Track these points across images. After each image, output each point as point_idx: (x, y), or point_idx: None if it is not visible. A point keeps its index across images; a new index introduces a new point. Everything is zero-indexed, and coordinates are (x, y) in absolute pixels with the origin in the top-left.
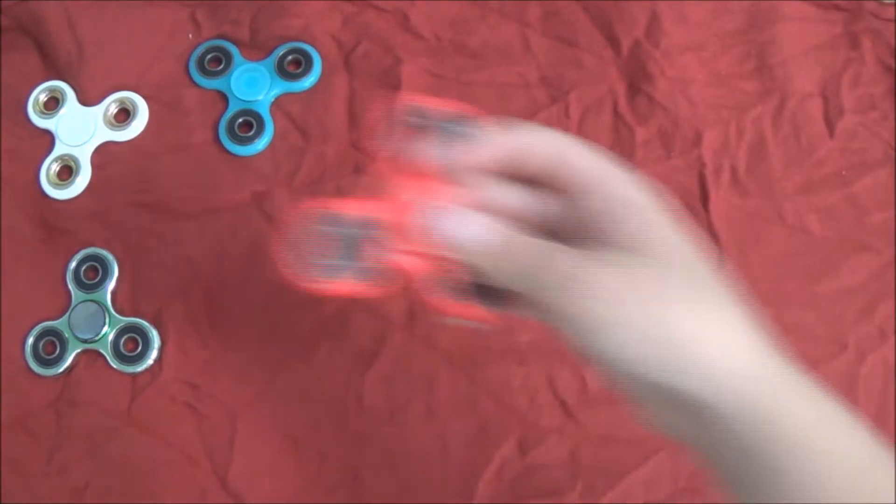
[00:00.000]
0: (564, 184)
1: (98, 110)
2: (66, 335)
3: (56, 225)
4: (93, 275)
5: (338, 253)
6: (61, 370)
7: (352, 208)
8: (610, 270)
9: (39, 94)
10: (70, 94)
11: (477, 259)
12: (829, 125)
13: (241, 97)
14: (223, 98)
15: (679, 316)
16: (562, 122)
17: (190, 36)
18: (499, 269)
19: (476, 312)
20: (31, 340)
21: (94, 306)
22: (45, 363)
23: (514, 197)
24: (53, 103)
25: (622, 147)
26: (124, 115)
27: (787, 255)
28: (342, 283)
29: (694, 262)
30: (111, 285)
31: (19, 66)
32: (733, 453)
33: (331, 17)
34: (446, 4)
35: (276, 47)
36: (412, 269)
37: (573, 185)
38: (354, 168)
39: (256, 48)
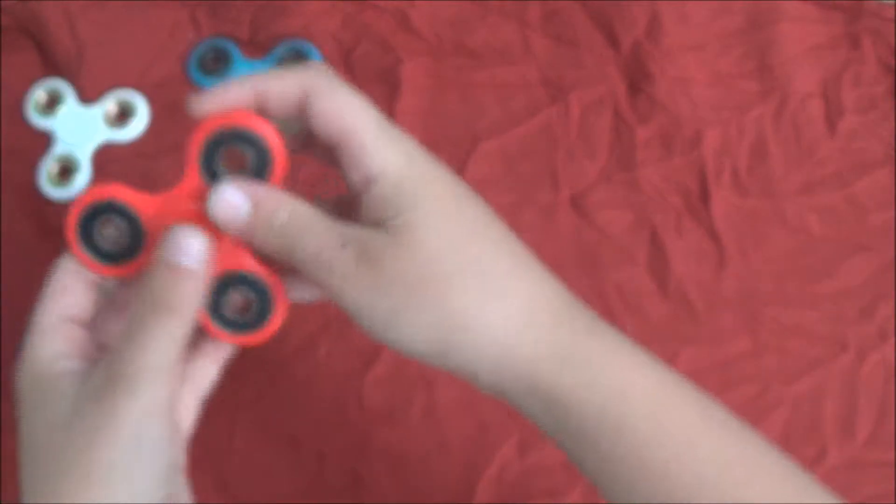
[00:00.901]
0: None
1: (98, 110)
2: None
3: (56, 225)
4: None
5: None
6: None
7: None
8: (379, 260)
9: (39, 94)
10: (70, 93)
11: (264, 235)
12: (830, 125)
13: None
14: None
15: (450, 304)
16: (562, 122)
17: (189, 35)
18: (289, 248)
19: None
20: None
21: None
22: None
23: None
24: (53, 103)
25: (622, 147)
26: (124, 114)
27: (787, 255)
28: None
29: (464, 236)
30: None
31: (19, 66)
32: (543, 426)
33: (331, 16)
34: (446, 4)
35: (275, 47)
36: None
37: (336, 144)
38: None
39: (256, 48)
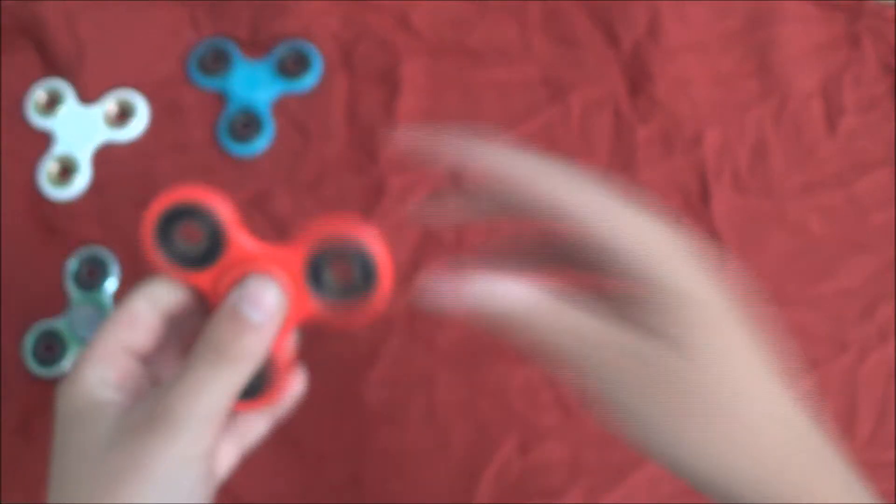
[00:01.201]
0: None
1: (98, 110)
2: (66, 335)
3: (55, 225)
4: (92, 275)
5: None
6: (61, 370)
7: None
8: (661, 374)
9: (39, 94)
10: (70, 93)
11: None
12: (830, 125)
13: (240, 97)
14: (223, 98)
15: (724, 428)
16: (562, 122)
17: (189, 35)
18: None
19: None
20: (30, 340)
21: (93, 306)
22: (45, 363)
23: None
24: (53, 103)
25: (622, 147)
26: (124, 114)
27: (787, 255)
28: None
29: (742, 362)
30: (110, 285)
31: (19, 66)
32: None
33: (331, 16)
34: (447, 4)
35: (275, 47)
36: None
37: (608, 252)
38: (356, 168)
39: (256, 48)
